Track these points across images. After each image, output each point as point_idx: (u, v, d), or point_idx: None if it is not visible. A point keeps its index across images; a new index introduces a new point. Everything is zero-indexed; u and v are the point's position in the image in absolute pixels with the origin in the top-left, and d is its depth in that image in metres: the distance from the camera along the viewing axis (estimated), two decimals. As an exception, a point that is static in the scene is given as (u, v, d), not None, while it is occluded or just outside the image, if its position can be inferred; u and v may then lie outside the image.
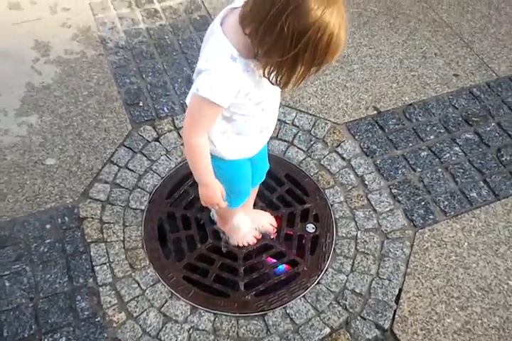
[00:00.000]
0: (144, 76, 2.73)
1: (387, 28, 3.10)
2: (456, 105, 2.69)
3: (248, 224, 2.12)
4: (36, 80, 2.67)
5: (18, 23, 2.97)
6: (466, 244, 2.17)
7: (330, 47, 1.08)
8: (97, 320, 1.88)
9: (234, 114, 1.37)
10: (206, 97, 1.21)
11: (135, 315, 1.90)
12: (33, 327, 1.86)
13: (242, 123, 1.43)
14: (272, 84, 1.22)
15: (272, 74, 1.18)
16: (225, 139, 1.47)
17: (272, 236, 2.16)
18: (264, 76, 1.20)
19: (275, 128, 2.42)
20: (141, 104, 2.60)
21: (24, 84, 2.64)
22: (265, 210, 2.23)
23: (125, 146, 2.41)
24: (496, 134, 2.57)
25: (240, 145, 1.53)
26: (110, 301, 1.92)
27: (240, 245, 2.12)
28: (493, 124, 2.61)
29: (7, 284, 1.94)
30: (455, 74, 2.85)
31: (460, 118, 2.63)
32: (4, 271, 1.97)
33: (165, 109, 2.58)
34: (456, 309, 1.98)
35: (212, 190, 1.51)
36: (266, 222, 2.15)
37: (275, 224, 2.17)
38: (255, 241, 2.14)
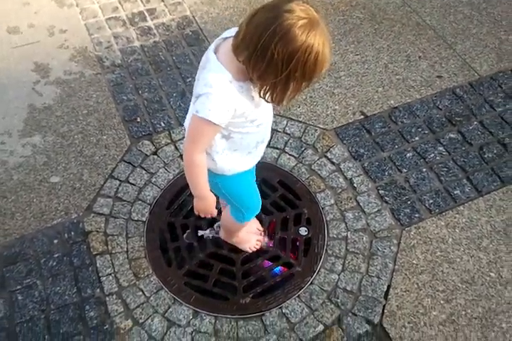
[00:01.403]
0: (140, 92, 2.86)
1: (372, 33, 3.21)
2: (439, 106, 2.80)
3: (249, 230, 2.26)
4: (38, 101, 2.81)
5: (18, 46, 3.11)
6: (450, 239, 2.29)
7: (317, 64, 1.23)
8: (105, 327, 2.02)
9: (231, 132, 1.51)
10: (205, 118, 1.34)
11: (141, 321, 2.04)
12: (46, 337, 2.00)
13: (239, 140, 1.56)
14: (268, 102, 1.37)
15: (267, 94, 1.32)
16: (224, 156, 1.60)
17: (261, 240, 2.28)
18: (260, 96, 1.34)
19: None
20: (138, 119, 2.73)
21: (26, 106, 2.78)
22: (260, 216, 2.35)
23: (125, 161, 2.54)
24: (479, 132, 2.67)
25: (238, 161, 1.66)
26: (117, 309, 2.06)
27: (250, 251, 2.25)
28: (475, 123, 2.72)
29: (20, 298, 2.09)
30: (438, 76, 2.96)
31: (444, 119, 2.74)
32: (16, 285, 2.12)
33: (161, 123, 2.71)
34: (442, 302, 2.10)
35: (207, 202, 1.65)
36: (253, 227, 2.27)
37: (261, 228, 2.31)
38: (260, 244, 2.27)
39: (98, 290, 2.12)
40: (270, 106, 1.56)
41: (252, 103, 1.41)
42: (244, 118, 1.44)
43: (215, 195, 1.68)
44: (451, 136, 2.66)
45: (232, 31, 1.37)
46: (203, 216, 1.73)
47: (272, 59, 1.19)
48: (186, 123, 1.63)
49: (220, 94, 1.33)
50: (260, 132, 1.59)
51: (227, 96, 1.34)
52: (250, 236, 2.26)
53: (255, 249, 2.26)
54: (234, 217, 1.93)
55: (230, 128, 1.48)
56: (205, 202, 1.64)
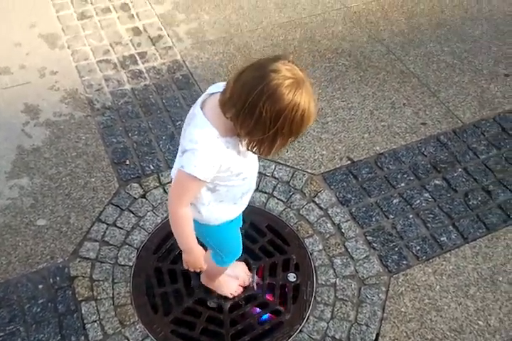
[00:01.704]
0: (130, 135, 2.88)
1: (358, 80, 3.30)
2: (424, 153, 2.86)
3: (231, 275, 2.24)
4: (27, 143, 2.81)
5: (8, 87, 3.14)
6: (438, 287, 2.29)
7: (303, 120, 1.26)
8: (89, 377, 1.96)
9: (217, 185, 1.52)
10: (191, 174, 1.36)
11: (125, 371, 1.99)
12: (28, 387, 1.93)
13: (225, 193, 1.57)
14: (254, 153, 1.41)
15: (255, 148, 1.35)
16: (210, 208, 1.61)
17: (248, 284, 2.26)
18: (248, 149, 1.37)
19: (256, 181, 2.59)
20: (127, 162, 2.74)
21: (15, 147, 2.78)
22: (247, 261, 2.34)
23: (113, 204, 2.53)
24: (463, 179, 2.73)
25: (223, 211, 1.67)
26: (101, 358, 2.01)
27: (230, 297, 2.22)
28: (460, 170, 2.77)
29: (2, 345, 2.03)
30: (423, 123, 3.04)
31: (429, 165, 2.79)
32: (-1, 332, 2.06)
33: (150, 166, 2.72)
34: (431, 352, 2.09)
35: (195, 256, 1.64)
36: (241, 271, 2.27)
37: (249, 272, 2.29)
38: (242, 289, 2.25)
39: (83, 337, 2.07)
40: (256, 159, 1.59)
41: (238, 156, 1.43)
42: (230, 172, 1.46)
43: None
44: (437, 182, 2.71)
45: (219, 86, 1.41)
46: (192, 270, 1.72)
47: (260, 117, 1.22)
48: (173, 173, 1.63)
49: (205, 151, 1.35)
50: (245, 184, 1.61)
51: (213, 153, 1.36)
52: (231, 282, 2.24)
53: (236, 294, 2.23)
54: (214, 260, 1.93)
55: (216, 181, 1.49)
56: (193, 255, 1.63)
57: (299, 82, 1.22)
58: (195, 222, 1.61)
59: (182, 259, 1.69)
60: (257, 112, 1.21)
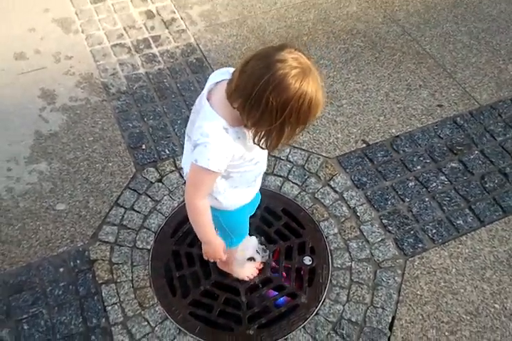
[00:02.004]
0: (145, 119, 2.90)
1: (373, 62, 3.27)
2: (441, 135, 2.84)
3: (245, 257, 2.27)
4: (44, 128, 2.84)
5: (24, 72, 3.15)
6: (453, 270, 2.30)
7: (311, 109, 1.25)
8: (111, 358, 2.02)
9: (230, 172, 1.54)
10: (205, 167, 1.37)
11: (146, 352, 2.04)
12: (52, 367, 2.00)
13: (238, 178, 1.59)
14: (262, 148, 1.38)
15: (262, 140, 1.34)
16: (227, 195, 1.63)
17: (264, 263, 2.30)
18: (254, 143, 1.36)
19: (271, 165, 2.60)
20: (143, 146, 2.76)
21: (33, 133, 2.81)
22: (264, 245, 2.36)
23: (130, 188, 2.56)
24: (480, 162, 2.71)
25: (238, 196, 1.69)
26: (122, 340, 2.06)
27: (247, 279, 2.26)
28: (476, 152, 2.75)
29: (26, 327, 2.09)
30: (439, 105, 3.01)
31: (445, 148, 2.77)
32: (23, 314, 2.12)
33: (166, 150, 2.74)
34: (446, 333, 2.11)
35: (214, 247, 1.66)
36: (250, 246, 2.28)
37: (260, 246, 2.34)
38: (257, 272, 2.28)
39: (104, 319, 2.12)
40: None
41: (249, 146, 1.43)
42: (243, 160, 1.47)
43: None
44: (453, 165, 2.69)
45: (223, 72, 1.41)
46: (212, 260, 1.75)
47: (266, 107, 1.21)
48: (184, 165, 1.65)
49: (217, 143, 1.35)
50: (257, 168, 1.62)
51: (225, 145, 1.36)
52: (247, 265, 2.27)
53: (252, 277, 2.26)
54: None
55: (229, 169, 1.50)
56: (212, 246, 1.66)
57: (305, 70, 1.22)
58: (212, 208, 1.62)
59: (202, 250, 1.72)
60: (264, 102, 1.21)
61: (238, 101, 1.27)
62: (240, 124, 1.36)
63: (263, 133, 1.31)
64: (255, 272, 2.28)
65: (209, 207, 1.55)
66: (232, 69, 1.35)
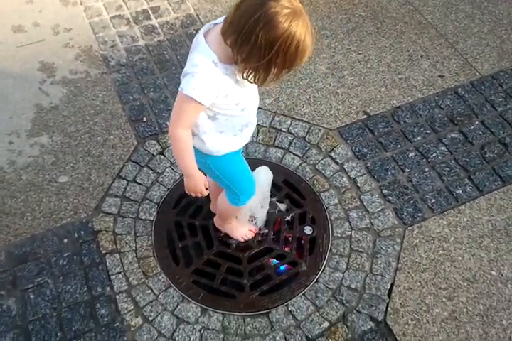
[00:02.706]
0: (145, 92, 2.89)
1: (375, 32, 3.24)
2: (441, 106, 2.84)
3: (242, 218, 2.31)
4: (44, 101, 2.84)
5: (23, 45, 3.13)
6: (452, 238, 2.34)
7: (298, 52, 1.31)
8: (116, 325, 2.07)
9: (217, 113, 1.58)
10: (189, 95, 1.42)
11: (150, 318, 2.09)
12: (59, 334, 2.05)
13: (224, 122, 1.63)
14: (250, 82, 1.44)
15: (250, 76, 1.41)
16: (212, 137, 1.67)
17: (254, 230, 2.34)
18: (243, 77, 1.42)
19: (272, 137, 2.61)
20: (144, 119, 2.77)
21: (33, 106, 2.81)
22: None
23: (132, 161, 2.58)
24: (480, 132, 2.72)
25: (225, 142, 1.72)
26: (127, 307, 2.11)
27: (241, 240, 2.30)
28: (477, 123, 2.76)
29: (31, 296, 2.13)
30: (440, 76, 3.00)
31: (446, 119, 2.78)
32: (28, 284, 2.17)
33: (167, 123, 2.74)
34: (444, 299, 2.16)
35: (196, 180, 1.70)
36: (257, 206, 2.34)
37: (253, 228, 2.37)
38: (253, 234, 2.33)
39: (108, 288, 2.17)
40: (255, 92, 1.64)
41: (236, 85, 1.49)
42: (228, 100, 1.51)
43: (205, 174, 1.76)
44: (453, 135, 2.70)
45: (220, 19, 1.45)
46: (193, 195, 1.78)
47: (255, 43, 1.27)
48: None
49: (204, 74, 1.41)
50: (244, 116, 1.66)
51: (211, 76, 1.42)
52: (242, 226, 2.31)
53: (247, 238, 2.31)
54: (229, 200, 1.99)
55: (215, 109, 1.55)
56: (193, 180, 1.70)
57: (296, 12, 1.27)
58: (201, 154, 1.68)
59: (184, 185, 1.74)
60: (253, 39, 1.26)
61: (231, 38, 1.33)
62: (231, 62, 1.42)
63: (251, 69, 1.37)
64: (250, 234, 2.31)
65: (191, 139, 1.58)
66: None
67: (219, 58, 1.40)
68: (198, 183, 1.71)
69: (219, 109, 1.54)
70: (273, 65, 1.33)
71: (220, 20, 1.45)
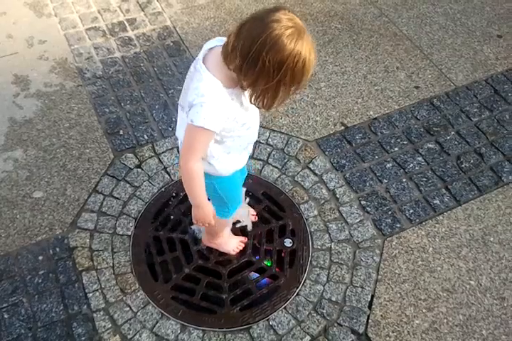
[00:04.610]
0: (122, 104, 2.86)
1: (351, 44, 3.26)
2: (418, 116, 2.86)
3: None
4: (18, 115, 2.79)
5: (-4, 57, 3.08)
6: (431, 248, 2.35)
7: (305, 69, 1.31)
8: (93, 344, 2.03)
9: (224, 136, 1.57)
10: (201, 126, 1.40)
11: (129, 337, 2.05)
12: (34, 354, 2.00)
13: (231, 143, 1.62)
14: (258, 108, 1.45)
15: (258, 100, 1.40)
16: (220, 160, 1.66)
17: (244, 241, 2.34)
18: (251, 102, 1.42)
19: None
20: (121, 132, 2.74)
21: (7, 120, 2.76)
22: (244, 228, 2.38)
23: (109, 175, 2.54)
24: (456, 142, 2.75)
25: (232, 161, 1.73)
26: (104, 325, 2.07)
27: (233, 253, 2.29)
28: (452, 133, 2.79)
29: (6, 316, 2.08)
30: (416, 87, 3.03)
31: (422, 129, 2.80)
32: (2, 303, 2.11)
33: (144, 136, 2.72)
34: (424, 310, 2.16)
35: (204, 211, 1.68)
36: (245, 213, 2.36)
37: (254, 212, 2.39)
38: (243, 245, 2.32)
39: (85, 306, 2.12)
40: (257, 110, 1.64)
41: (241, 108, 1.49)
42: (236, 122, 1.51)
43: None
44: (430, 146, 2.73)
45: (218, 40, 1.46)
46: (201, 225, 1.77)
47: (263, 67, 1.26)
48: (178, 133, 1.68)
49: (213, 103, 1.40)
50: (250, 134, 1.67)
51: (220, 104, 1.41)
52: (232, 239, 2.30)
53: (238, 250, 2.30)
54: (218, 214, 1.97)
55: (222, 133, 1.54)
56: (202, 210, 1.68)
57: (300, 31, 1.27)
58: (207, 175, 1.65)
59: (191, 214, 1.73)
60: (261, 62, 1.26)
61: (235, 63, 1.32)
62: (235, 86, 1.42)
63: (259, 92, 1.37)
64: (241, 246, 2.31)
65: (202, 170, 1.57)
66: (225, 39, 1.41)
67: (223, 84, 1.40)
68: (208, 213, 1.69)
69: (226, 132, 1.54)
70: (281, 85, 1.33)
71: (213, 43, 1.46)
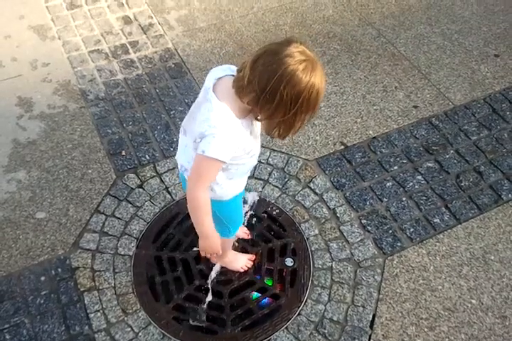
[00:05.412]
0: (124, 125, 2.90)
1: (350, 64, 3.31)
2: (416, 135, 2.89)
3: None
4: (22, 136, 2.83)
5: (0, 80, 3.13)
6: (431, 267, 2.35)
7: (318, 96, 1.36)
8: (95, 365, 2.02)
9: (229, 164, 1.59)
10: (213, 157, 1.43)
11: (130, 357, 2.04)
12: (36, 376, 1.99)
13: (235, 171, 1.65)
14: (273, 137, 1.50)
15: (274, 130, 1.44)
16: (223, 186, 1.68)
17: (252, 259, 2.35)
18: (268, 134, 1.47)
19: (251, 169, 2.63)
20: (123, 153, 2.77)
21: (10, 141, 2.80)
22: (246, 248, 2.39)
23: (111, 195, 2.57)
24: (455, 161, 2.77)
25: (233, 187, 1.75)
26: (106, 346, 2.07)
27: (242, 270, 2.31)
28: (451, 152, 2.81)
29: (8, 337, 2.08)
30: (415, 106, 3.06)
31: (421, 148, 2.83)
32: (4, 324, 2.11)
33: (146, 156, 2.75)
34: (426, 329, 2.16)
35: (212, 242, 1.68)
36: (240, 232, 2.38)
37: (247, 231, 2.41)
38: (252, 263, 2.34)
39: (87, 327, 2.12)
40: (259, 136, 1.67)
41: (251, 136, 1.53)
42: (243, 151, 1.54)
43: None
44: (429, 164, 2.75)
45: (224, 69, 1.49)
46: (208, 256, 1.78)
47: (281, 100, 1.31)
48: (179, 157, 1.71)
49: (225, 134, 1.42)
50: (253, 160, 1.70)
51: (232, 135, 1.43)
52: (240, 256, 2.32)
53: (247, 268, 2.31)
54: (221, 235, 1.97)
55: (229, 161, 1.55)
56: (210, 241, 1.68)
57: (312, 63, 1.32)
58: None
59: (198, 244, 1.72)
60: (278, 96, 1.30)
61: (250, 96, 1.36)
62: (245, 116, 1.45)
63: (275, 124, 1.42)
64: (249, 263, 2.32)
65: (209, 200, 1.58)
66: (233, 67, 1.48)
67: (235, 114, 1.43)
68: (215, 244, 1.69)
69: (232, 160, 1.55)
70: (298, 115, 1.37)
71: (220, 72, 1.48)
